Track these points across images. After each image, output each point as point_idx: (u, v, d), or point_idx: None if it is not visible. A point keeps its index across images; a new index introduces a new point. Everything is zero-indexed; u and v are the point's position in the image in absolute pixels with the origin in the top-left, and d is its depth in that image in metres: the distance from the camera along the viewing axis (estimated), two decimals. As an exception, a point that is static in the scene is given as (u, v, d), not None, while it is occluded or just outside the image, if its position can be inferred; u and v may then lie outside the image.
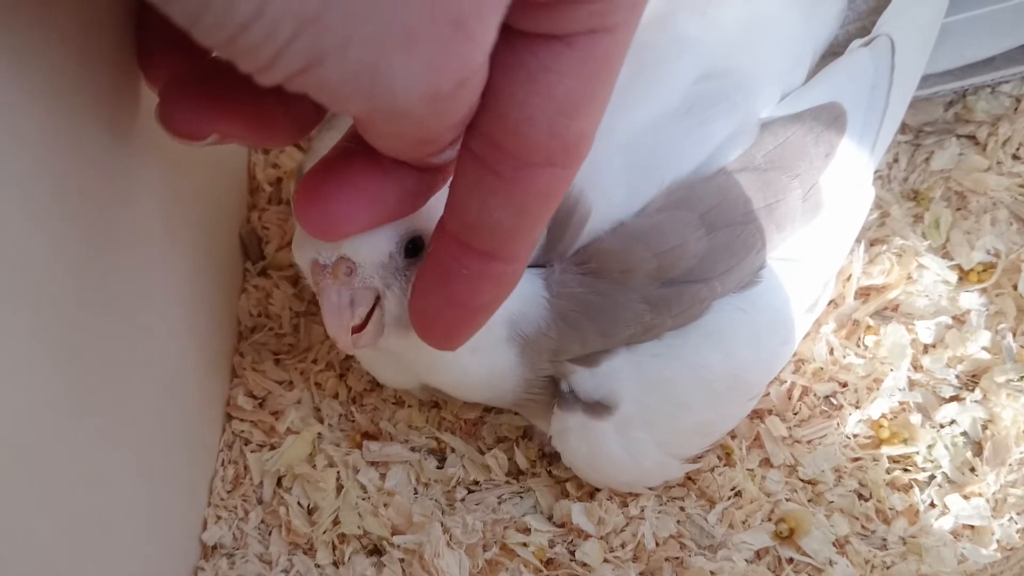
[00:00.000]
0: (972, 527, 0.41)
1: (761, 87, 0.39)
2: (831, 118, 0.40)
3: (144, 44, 0.27)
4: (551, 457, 0.43)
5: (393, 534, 0.39)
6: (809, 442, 0.42)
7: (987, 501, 0.41)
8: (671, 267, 0.36)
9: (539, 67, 0.22)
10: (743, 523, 0.40)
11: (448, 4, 0.19)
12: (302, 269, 0.32)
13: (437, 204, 0.32)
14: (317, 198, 0.26)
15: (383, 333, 0.33)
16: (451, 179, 0.26)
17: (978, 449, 0.42)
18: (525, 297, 0.35)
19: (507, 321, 0.35)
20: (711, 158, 0.37)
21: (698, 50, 0.38)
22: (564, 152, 0.24)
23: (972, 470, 0.42)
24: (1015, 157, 0.48)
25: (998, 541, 0.40)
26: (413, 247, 0.32)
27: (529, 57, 0.22)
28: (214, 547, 0.39)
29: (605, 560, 0.39)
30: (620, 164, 0.36)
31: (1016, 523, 0.41)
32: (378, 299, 0.32)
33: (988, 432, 0.42)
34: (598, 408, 0.37)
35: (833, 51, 0.43)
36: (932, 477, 0.42)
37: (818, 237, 0.40)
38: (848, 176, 0.41)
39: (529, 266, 0.35)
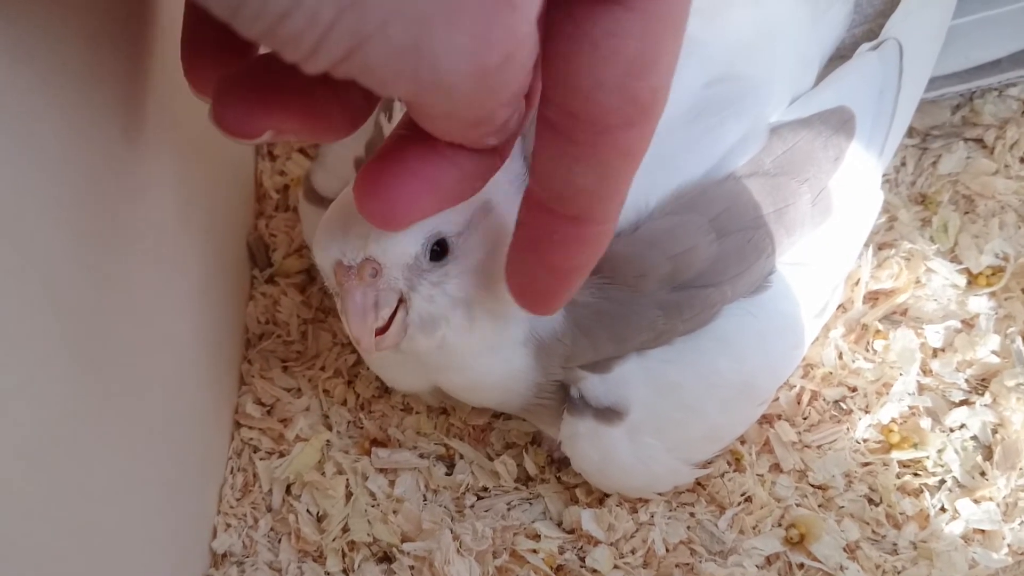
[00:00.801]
0: (983, 531, 0.41)
1: (770, 91, 0.39)
2: (840, 122, 0.40)
3: (189, 53, 0.27)
4: (560, 463, 0.43)
5: (403, 541, 0.39)
6: (819, 447, 0.42)
7: (998, 505, 0.41)
8: (684, 270, 0.36)
9: (602, 33, 0.22)
10: (753, 529, 0.40)
11: None
12: (323, 270, 0.32)
13: (460, 207, 0.32)
14: (377, 188, 0.26)
15: (405, 335, 0.33)
16: (533, 151, 0.26)
17: (988, 453, 0.42)
18: None
19: (524, 323, 0.35)
20: (721, 162, 0.37)
21: (708, 55, 0.38)
22: (640, 111, 0.24)
23: (982, 474, 0.42)
24: (1023, 160, 0.48)
25: (1009, 545, 0.40)
26: (439, 249, 0.32)
27: (590, 25, 0.22)
28: (224, 555, 0.39)
29: (615, 566, 0.39)
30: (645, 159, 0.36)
31: (1027, 527, 0.41)
32: (400, 301, 0.32)
33: (998, 436, 0.42)
34: (609, 414, 0.37)
35: (841, 54, 0.43)
36: (942, 481, 0.42)
37: (827, 241, 0.40)
38: (857, 180, 0.41)
39: None
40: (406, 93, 0.21)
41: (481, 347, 0.35)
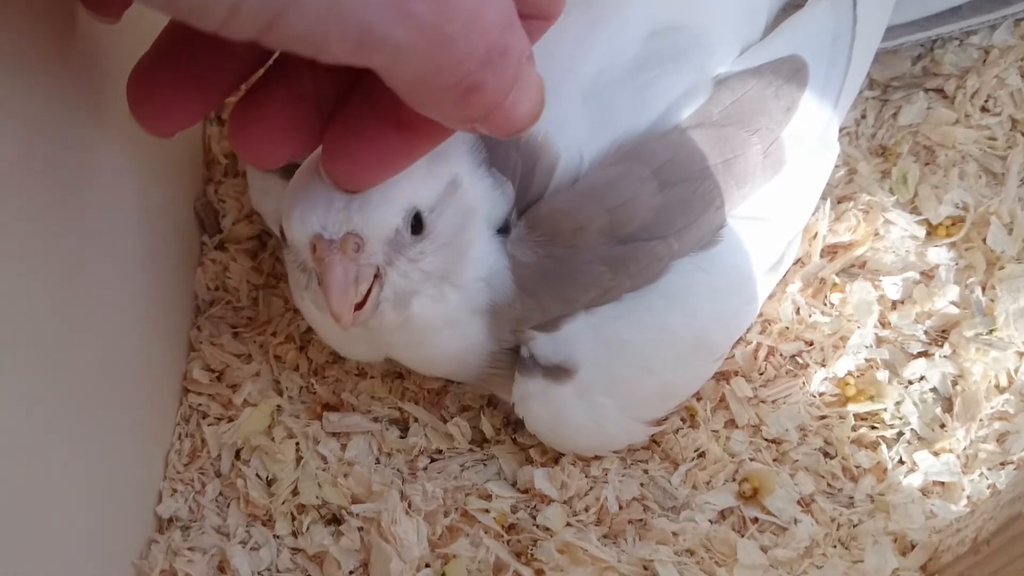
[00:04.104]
0: (942, 483, 0.40)
1: (715, 42, 0.39)
2: (791, 71, 0.39)
3: None
4: (516, 425, 0.43)
5: (352, 503, 0.39)
6: (774, 402, 0.41)
7: (957, 457, 0.40)
8: (624, 223, 0.35)
9: None
10: (707, 484, 0.40)
11: None
12: (296, 242, 0.31)
13: (432, 182, 0.32)
14: (345, 151, 0.28)
15: (376, 310, 0.32)
16: None
17: (948, 405, 0.42)
18: (493, 268, 0.35)
19: (485, 294, 0.35)
20: (665, 115, 0.37)
21: (651, 5, 0.38)
22: None
23: (942, 426, 0.41)
24: (984, 109, 0.47)
25: (968, 497, 0.40)
26: (417, 223, 0.32)
27: None
28: (169, 519, 0.39)
29: (567, 524, 0.39)
30: (581, 112, 0.36)
31: (987, 479, 0.40)
32: (376, 276, 0.32)
33: (958, 388, 0.42)
34: (558, 372, 0.37)
35: (795, 2, 0.42)
36: (900, 434, 0.41)
37: (781, 194, 0.39)
38: (811, 131, 0.40)
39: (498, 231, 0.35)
40: (351, 58, 0.21)
41: (443, 322, 0.35)
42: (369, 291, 0.31)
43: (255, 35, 0.20)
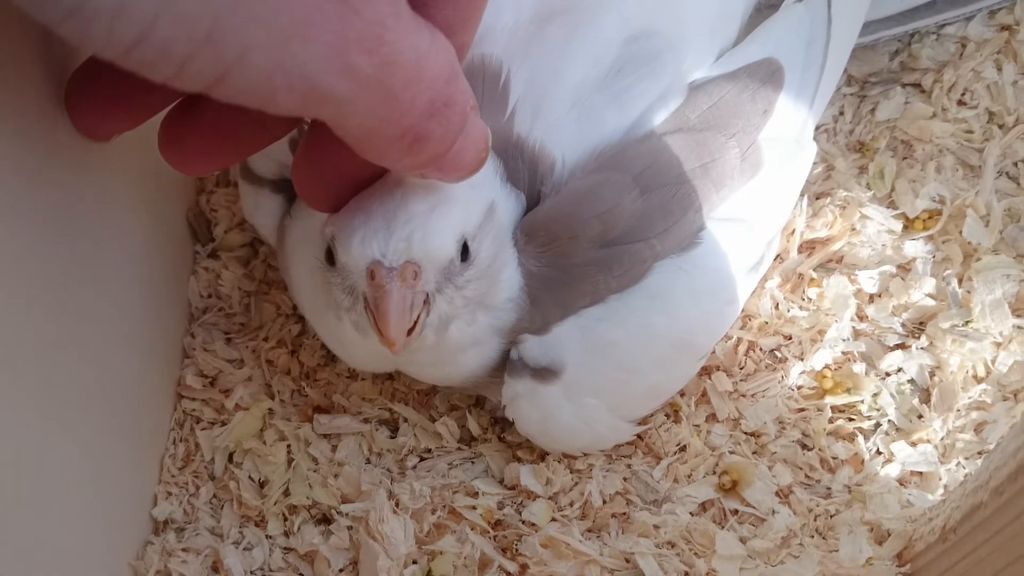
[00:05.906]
0: (920, 473, 0.41)
1: (689, 47, 0.39)
2: (767, 74, 0.40)
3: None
4: (503, 423, 0.44)
5: (342, 503, 0.40)
6: (753, 395, 0.42)
7: (935, 447, 0.41)
8: (611, 228, 0.36)
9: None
10: (687, 477, 0.41)
11: None
12: (352, 267, 0.32)
13: (474, 209, 0.33)
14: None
15: (421, 334, 0.33)
16: None
17: (925, 396, 0.42)
18: (513, 285, 0.36)
19: (508, 313, 0.36)
20: (641, 120, 0.38)
21: (628, 11, 0.39)
22: None
23: (919, 417, 0.42)
24: (960, 103, 0.48)
25: (945, 486, 0.40)
26: (464, 251, 0.33)
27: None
28: (165, 522, 0.40)
29: (552, 519, 0.40)
30: (568, 118, 0.37)
31: (964, 468, 0.41)
32: (424, 301, 0.32)
33: (935, 378, 0.42)
34: (545, 373, 0.38)
35: (771, 3, 0.43)
36: (877, 425, 0.42)
37: (759, 196, 0.40)
38: (788, 133, 0.41)
39: None
40: (300, 111, 0.22)
41: (470, 343, 0.36)
42: (417, 317, 0.32)
43: (203, 89, 0.21)
